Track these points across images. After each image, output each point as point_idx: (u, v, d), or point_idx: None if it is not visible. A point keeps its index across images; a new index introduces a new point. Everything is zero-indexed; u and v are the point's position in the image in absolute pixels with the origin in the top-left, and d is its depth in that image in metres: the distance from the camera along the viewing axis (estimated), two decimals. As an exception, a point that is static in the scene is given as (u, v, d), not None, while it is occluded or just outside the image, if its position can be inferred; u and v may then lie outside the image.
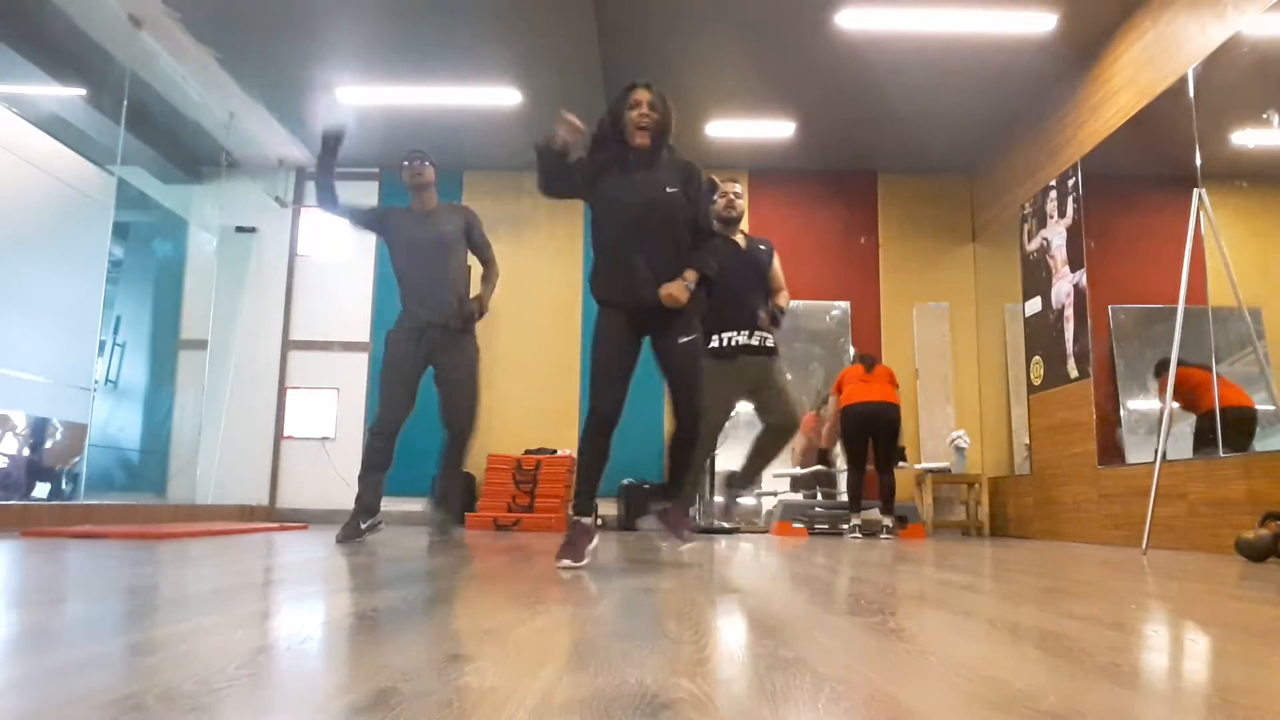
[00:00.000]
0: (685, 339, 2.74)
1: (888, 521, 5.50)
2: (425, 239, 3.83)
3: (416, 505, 6.95)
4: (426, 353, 3.82)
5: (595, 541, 2.67)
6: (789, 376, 4.12)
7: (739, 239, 3.96)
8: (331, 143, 3.56)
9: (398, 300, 3.89)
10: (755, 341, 3.82)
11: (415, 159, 3.87)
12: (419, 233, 3.83)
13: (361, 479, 3.77)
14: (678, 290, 2.66)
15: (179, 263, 7.47)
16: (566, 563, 2.49)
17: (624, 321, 2.73)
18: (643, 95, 2.78)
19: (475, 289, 4.00)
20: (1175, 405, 4.28)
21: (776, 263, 4.07)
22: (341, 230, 7.49)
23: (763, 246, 4.01)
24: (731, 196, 3.94)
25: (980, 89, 6.02)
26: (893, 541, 5.05)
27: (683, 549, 2.91)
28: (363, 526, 3.71)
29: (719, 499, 4.16)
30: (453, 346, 3.83)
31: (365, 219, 3.94)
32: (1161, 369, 4.49)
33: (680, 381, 2.76)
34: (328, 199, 3.66)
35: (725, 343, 3.80)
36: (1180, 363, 3.98)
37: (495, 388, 7.23)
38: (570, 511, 2.70)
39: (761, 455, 3.92)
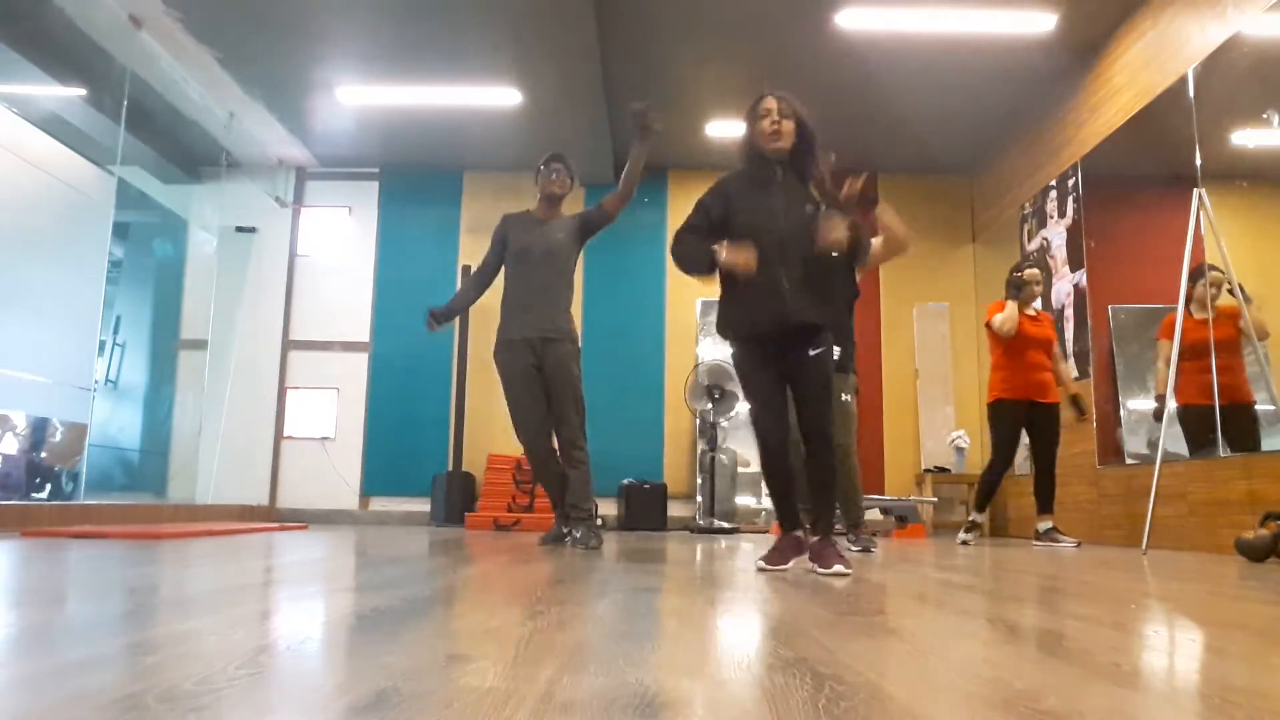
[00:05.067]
0: (815, 350, 2.60)
1: (1046, 524, 4.72)
2: (537, 245, 3.72)
3: (416, 505, 6.96)
4: (537, 359, 3.75)
5: (804, 556, 2.56)
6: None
7: None
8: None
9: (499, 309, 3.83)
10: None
11: (556, 168, 3.75)
12: (531, 238, 3.73)
13: (549, 496, 3.87)
14: (838, 229, 2.46)
15: (179, 263, 7.47)
16: (762, 564, 2.51)
17: (765, 351, 2.62)
18: (771, 103, 2.63)
19: (574, 308, 3.89)
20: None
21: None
22: (341, 230, 7.50)
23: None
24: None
25: (980, 89, 6.02)
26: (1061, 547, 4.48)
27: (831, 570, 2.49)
28: (564, 532, 3.73)
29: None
30: (551, 350, 3.74)
31: (494, 254, 3.84)
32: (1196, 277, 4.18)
33: (806, 395, 2.59)
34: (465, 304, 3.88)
35: None
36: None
37: (496, 388, 7.23)
38: (780, 527, 2.67)
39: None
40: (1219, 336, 4.12)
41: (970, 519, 4.89)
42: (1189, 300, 4.16)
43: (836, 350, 3.77)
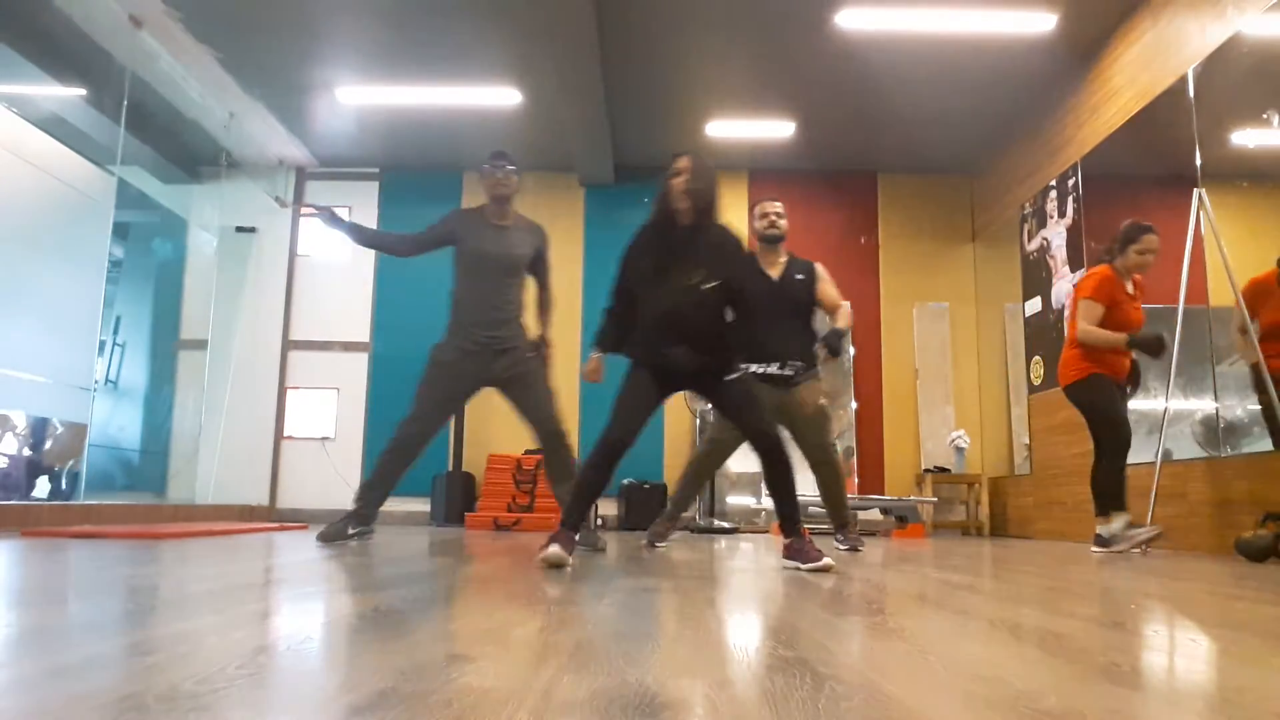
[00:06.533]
0: (730, 377, 2.73)
1: (1116, 525, 3.92)
2: (495, 254, 3.55)
3: (416, 505, 6.96)
4: (480, 375, 3.58)
5: (572, 560, 2.61)
6: (823, 402, 3.88)
7: (779, 265, 3.90)
8: (326, 218, 3.51)
9: (447, 313, 3.63)
10: (773, 370, 3.76)
11: (500, 165, 3.55)
12: (492, 247, 3.55)
13: (367, 491, 3.53)
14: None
15: (179, 263, 7.48)
16: (555, 549, 2.47)
17: (660, 380, 2.74)
18: (684, 163, 2.74)
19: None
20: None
21: (824, 284, 3.94)
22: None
23: (800, 276, 3.88)
24: (773, 217, 3.89)
25: (980, 89, 6.02)
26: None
27: (807, 567, 2.59)
28: (350, 531, 3.51)
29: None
30: (516, 363, 3.58)
31: (433, 239, 3.62)
32: None
33: (740, 412, 2.71)
34: (366, 237, 3.63)
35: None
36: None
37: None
38: (561, 523, 2.65)
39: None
40: None
41: (1123, 521, 3.90)
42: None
43: (796, 366, 3.78)
